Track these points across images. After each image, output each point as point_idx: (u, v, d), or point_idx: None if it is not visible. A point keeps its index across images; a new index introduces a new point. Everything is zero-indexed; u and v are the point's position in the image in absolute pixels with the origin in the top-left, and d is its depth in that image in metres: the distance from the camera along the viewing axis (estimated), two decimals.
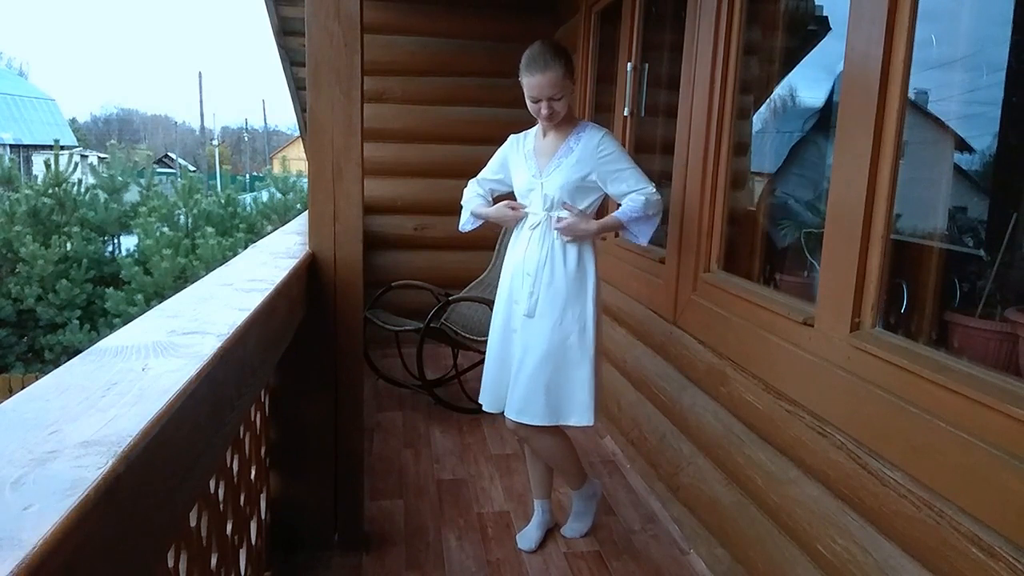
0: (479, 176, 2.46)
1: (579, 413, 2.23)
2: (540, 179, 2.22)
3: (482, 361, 3.68)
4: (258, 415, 1.98)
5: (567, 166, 2.19)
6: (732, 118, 2.39)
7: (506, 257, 2.37)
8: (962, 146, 2.60)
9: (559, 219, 2.19)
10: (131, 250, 10.80)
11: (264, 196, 12.48)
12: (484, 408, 2.38)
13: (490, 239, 4.03)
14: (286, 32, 5.29)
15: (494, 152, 2.45)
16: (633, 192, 2.19)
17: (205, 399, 1.08)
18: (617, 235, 2.69)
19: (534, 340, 2.22)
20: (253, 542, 1.89)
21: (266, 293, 1.62)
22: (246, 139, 49.77)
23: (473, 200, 2.44)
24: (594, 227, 2.21)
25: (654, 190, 2.19)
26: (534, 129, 2.32)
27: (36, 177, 12.36)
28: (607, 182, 2.20)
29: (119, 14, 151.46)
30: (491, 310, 3.54)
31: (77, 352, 1.27)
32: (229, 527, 1.59)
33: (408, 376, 3.97)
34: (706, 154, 2.44)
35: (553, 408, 2.22)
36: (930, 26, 1.95)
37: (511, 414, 2.26)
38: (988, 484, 1.23)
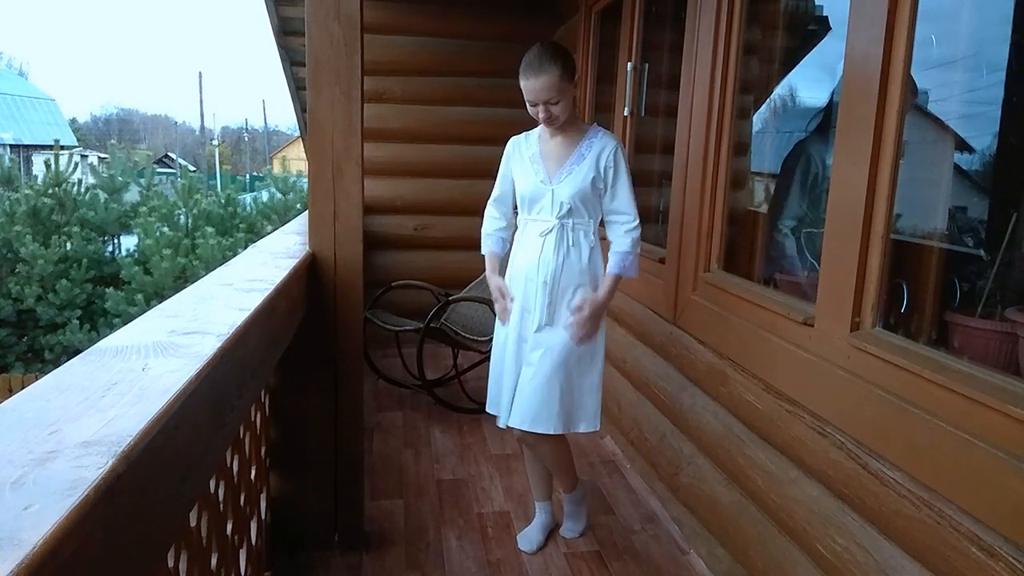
0: (493, 196, 2.41)
1: (588, 420, 2.25)
2: (550, 185, 2.18)
3: (482, 361, 3.71)
4: (258, 415, 1.98)
5: (579, 173, 2.15)
6: (732, 118, 2.39)
7: (512, 263, 2.33)
8: (962, 146, 2.60)
9: (578, 326, 2.17)
10: (131, 250, 10.82)
11: (264, 196, 12.50)
12: (501, 424, 2.29)
13: None
14: (286, 32, 5.29)
15: (494, 152, 2.44)
16: (617, 219, 2.20)
17: (205, 399, 1.08)
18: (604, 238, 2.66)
19: (549, 348, 2.18)
20: (253, 542, 1.88)
21: (266, 293, 1.62)
22: (246, 139, 49.79)
23: (492, 236, 2.40)
24: (605, 298, 2.20)
25: (637, 223, 2.19)
26: (537, 130, 2.27)
27: (36, 177, 12.38)
28: (608, 188, 2.19)
29: (119, 14, 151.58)
30: (492, 311, 3.56)
31: (77, 352, 1.28)
32: (229, 527, 1.59)
33: (408, 376, 3.97)
34: (706, 154, 2.44)
35: (566, 416, 2.21)
36: (930, 26, 1.95)
37: (524, 424, 2.21)
38: (988, 484, 1.23)
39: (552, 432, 2.21)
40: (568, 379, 2.19)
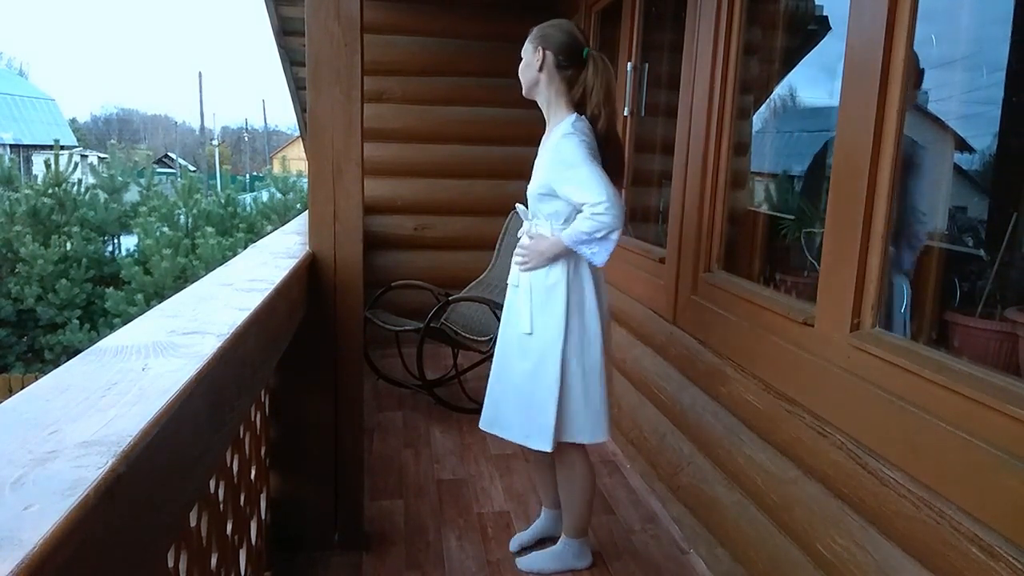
0: None
1: (536, 437, 2.11)
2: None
3: (482, 361, 3.71)
4: (258, 415, 1.98)
5: (538, 169, 2.06)
6: (732, 118, 2.39)
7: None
8: (962, 146, 2.60)
9: (520, 252, 2.12)
10: (131, 250, 10.83)
11: (264, 196, 12.50)
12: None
13: (490, 239, 4.03)
14: (286, 32, 5.29)
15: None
16: (583, 207, 1.94)
17: (205, 399, 1.08)
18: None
19: (505, 353, 2.19)
20: (253, 542, 1.88)
21: (266, 293, 1.62)
22: (246, 139, 49.77)
23: None
24: (544, 248, 2.04)
25: (602, 207, 1.89)
26: None
27: (36, 177, 12.38)
28: (559, 186, 1.99)
29: (119, 14, 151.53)
30: (491, 310, 3.57)
31: (77, 352, 1.27)
32: (229, 527, 1.59)
33: (408, 376, 3.97)
34: (706, 154, 2.44)
35: (521, 426, 2.13)
36: (930, 26, 1.95)
37: (482, 423, 2.23)
38: (988, 484, 1.23)
39: (509, 439, 2.17)
40: (521, 388, 2.11)
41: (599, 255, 1.99)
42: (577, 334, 2.08)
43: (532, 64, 2.08)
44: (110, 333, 1.24)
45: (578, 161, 1.94)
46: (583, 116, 2.06)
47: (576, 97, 2.07)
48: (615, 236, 1.95)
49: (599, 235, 1.94)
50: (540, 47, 2.07)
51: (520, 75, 2.12)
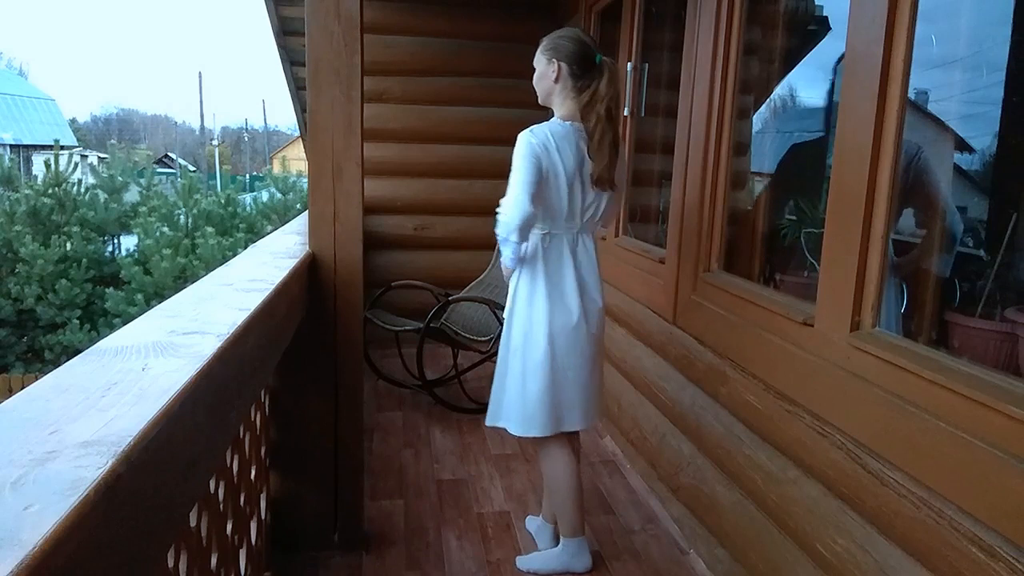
0: None
1: (507, 419, 2.20)
2: None
3: (482, 361, 3.72)
4: (258, 415, 1.98)
5: None
6: (732, 118, 2.39)
7: None
8: (962, 146, 2.60)
9: None
10: (131, 250, 10.83)
11: (264, 196, 12.51)
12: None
13: (490, 239, 4.03)
14: (286, 32, 5.30)
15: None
16: None
17: (205, 399, 1.08)
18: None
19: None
20: (253, 542, 1.88)
21: (266, 293, 1.62)
22: (246, 139, 49.79)
23: None
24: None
25: (503, 209, 1.98)
26: None
27: (36, 177, 12.39)
28: None
29: (119, 14, 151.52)
30: (491, 310, 3.57)
31: (77, 352, 1.27)
32: (229, 527, 1.59)
33: (408, 376, 3.97)
34: (706, 154, 2.44)
35: (495, 403, 2.23)
36: (930, 26, 1.95)
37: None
38: (988, 484, 1.23)
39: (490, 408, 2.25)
40: (498, 368, 2.23)
41: (506, 258, 2.09)
42: (522, 331, 2.14)
43: (547, 75, 2.10)
44: (110, 333, 1.24)
45: (515, 161, 2.00)
46: (568, 121, 2.07)
47: (584, 101, 2.07)
48: (514, 239, 1.99)
49: (501, 236, 2.01)
50: (554, 59, 2.08)
51: (535, 85, 2.14)
